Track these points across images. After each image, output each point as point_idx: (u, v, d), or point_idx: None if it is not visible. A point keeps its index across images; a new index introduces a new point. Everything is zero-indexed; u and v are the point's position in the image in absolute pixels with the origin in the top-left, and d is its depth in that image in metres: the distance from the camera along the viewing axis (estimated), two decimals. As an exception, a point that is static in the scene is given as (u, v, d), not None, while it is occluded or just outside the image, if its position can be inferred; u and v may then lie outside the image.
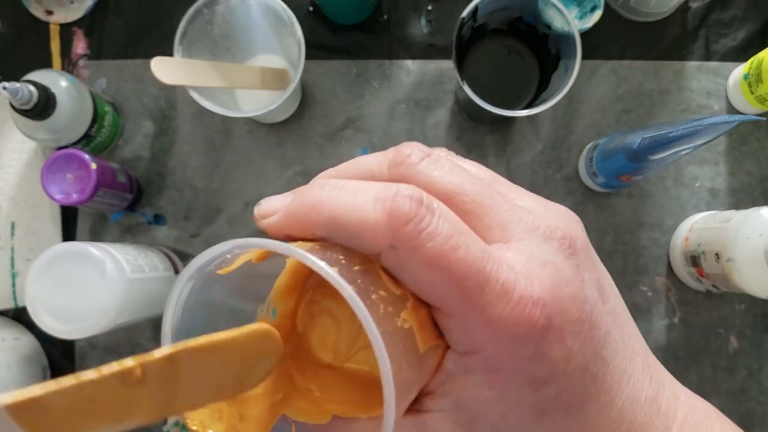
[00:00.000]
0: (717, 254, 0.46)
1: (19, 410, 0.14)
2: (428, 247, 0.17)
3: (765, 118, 0.41)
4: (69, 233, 0.55)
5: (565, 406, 0.19)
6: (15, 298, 0.53)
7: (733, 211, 0.47)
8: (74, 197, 0.48)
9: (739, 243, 0.44)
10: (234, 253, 0.18)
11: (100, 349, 0.54)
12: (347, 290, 0.16)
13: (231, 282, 0.20)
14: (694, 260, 0.50)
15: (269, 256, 0.20)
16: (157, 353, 0.16)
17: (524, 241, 0.19)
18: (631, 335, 0.21)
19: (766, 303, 0.54)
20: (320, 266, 0.16)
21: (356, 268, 0.18)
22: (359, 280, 0.17)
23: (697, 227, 0.51)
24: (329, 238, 0.19)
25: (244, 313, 0.22)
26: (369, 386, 0.21)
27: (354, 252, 0.18)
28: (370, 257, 0.19)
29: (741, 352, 0.53)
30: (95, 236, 0.55)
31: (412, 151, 0.20)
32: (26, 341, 0.52)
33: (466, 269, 0.17)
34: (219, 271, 0.19)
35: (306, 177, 0.55)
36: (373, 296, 0.17)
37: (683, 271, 0.52)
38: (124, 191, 0.52)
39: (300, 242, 0.18)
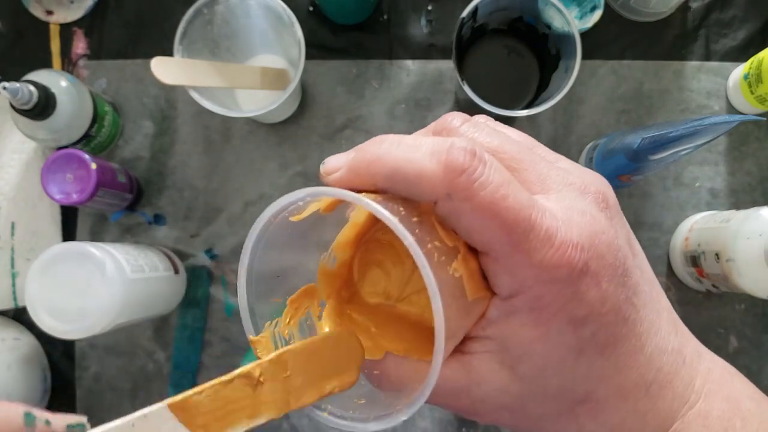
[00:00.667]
0: (717, 254, 0.46)
1: (176, 408, 0.18)
2: (481, 195, 0.18)
3: (765, 118, 0.41)
4: (69, 233, 0.55)
5: (601, 346, 0.20)
6: (15, 298, 0.53)
7: (733, 211, 0.47)
8: (74, 197, 0.48)
9: (739, 243, 0.44)
10: (306, 201, 0.20)
11: (100, 349, 0.54)
12: (408, 238, 0.18)
13: (299, 228, 0.22)
14: (694, 260, 0.50)
15: (336, 206, 0.22)
16: (267, 357, 0.20)
17: (562, 193, 0.21)
18: (658, 291, 0.23)
19: (766, 303, 0.54)
20: (385, 215, 0.18)
21: (414, 219, 0.19)
22: (417, 230, 0.19)
23: (697, 227, 0.51)
24: (389, 190, 0.20)
25: (309, 257, 0.24)
26: (419, 328, 0.23)
27: (412, 204, 0.20)
28: (426, 210, 0.20)
29: (741, 352, 0.53)
30: (95, 236, 0.55)
31: (452, 117, 0.22)
32: (26, 341, 0.52)
33: (514, 216, 0.19)
34: (291, 218, 0.21)
35: (306, 177, 0.55)
36: (429, 245, 0.19)
37: (683, 271, 0.52)
38: (124, 191, 0.52)
39: (365, 194, 0.20)
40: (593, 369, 0.21)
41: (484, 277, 0.21)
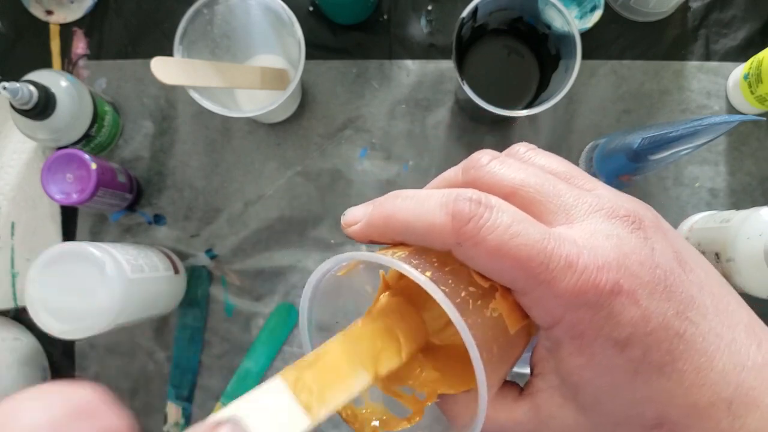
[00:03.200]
0: (717, 254, 0.46)
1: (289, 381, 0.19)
2: (489, 239, 0.19)
3: (765, 118, 0.40)
4: (69, 233, 0.55)
5: (657, 365, 0.20)
6: (15, 298, 0.53)
7: (733, 211, 0.47)
8: (74, 197, 0.48)
9: (739, 243, 0.44)
10: (348, 262, 0.22)
11: (100, 349, 0.54)
12: (438, 294, 0.19)
13: (345, 280, 0.24)
14: (694, 260, 0.50)
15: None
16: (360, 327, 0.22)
17: (587, 221, 0.21)
18: (728, 303, 0.21)
19: (766, 303, 0.53)
20: (414, 274, 0.19)
21: (447, 268, 0.21)
22: (450, 281, 0.20)
23: (697, 227, 0.51)
24: (407, 242, 0.22)
25: (360, 300, 0.26)
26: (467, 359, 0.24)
27: (444, 253, 0.21)
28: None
29: (741, 352, 0.53)
30: (95, 236, 0.55)
31: (482, 155, 0.23)
32: (26, 341, 0.52)
33: (527, 252, 0.19)
34: (338, 273, 0.24)
35: (306, 177, 0.55)
36: (463, 293, 0.20)
37: (683, 271, 0.52)
38: (124, 191, 0.52)
39: (400, 247, 0.22)
40: (655, 390, 0.20)
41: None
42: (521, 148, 0.24)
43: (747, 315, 0.22)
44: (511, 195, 0.21)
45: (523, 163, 0.22)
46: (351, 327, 0.22)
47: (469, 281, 0.21)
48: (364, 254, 0.21)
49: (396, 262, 0.20)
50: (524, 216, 0.20)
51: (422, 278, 0.19)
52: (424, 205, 0.21)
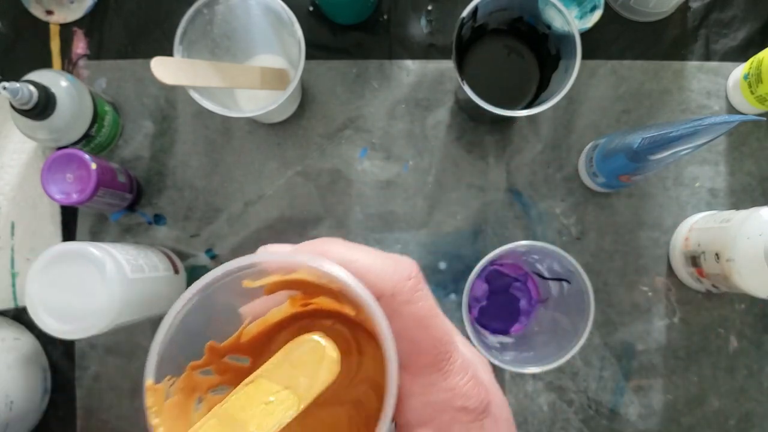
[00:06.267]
0: (717, 254, 0.46)
1: None
2: (420, 304, 0.20)
3: (765, 118, 0.41)
4: (69, 233, 0.55)
5: None
6: (15, 298, 0.53)
7: (733, 211, 0.47)
8: (74, 197, 0.48)
9: (739, 243, 0.44)
10: (260, 267, 0.20)
11: (100, 349, 0.54)
12: (384, 324, 0.19)
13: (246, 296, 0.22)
14: (694, 260, 0.50)
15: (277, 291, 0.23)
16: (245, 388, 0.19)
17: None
18: None
19: (766, 303, 0.54)
20: (369, 300, 0.19)
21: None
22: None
23: (697, 227, 0.51)
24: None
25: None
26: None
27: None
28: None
29: (741, 352, 0.53)
30: (95, 236, 0.55)
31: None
32: (26, 341, 0.52)
33: (441, 335, 0.20)
34: (244, 282, 0.21)
35: (306, 177, 0.55)
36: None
37: (683, 271, 0.52)
38: (124, 191, 0.52)
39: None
40: None
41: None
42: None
43: None
44: None
45: None
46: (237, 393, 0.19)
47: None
48: (315, 260, 0.19)
49: (356, 286, 0.19)
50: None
51: (376, 307, 0.19)
52: (375, 254, 0.20)
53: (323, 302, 0.23)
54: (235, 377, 0.23)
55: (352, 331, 0.24)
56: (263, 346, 0.25)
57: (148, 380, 0.20)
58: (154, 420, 0.20)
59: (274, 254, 0.20)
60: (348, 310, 0.21)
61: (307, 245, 0.21)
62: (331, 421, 0.23)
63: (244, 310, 0.23)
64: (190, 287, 0.20)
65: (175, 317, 0.20)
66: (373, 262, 0.20)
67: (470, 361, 0.21)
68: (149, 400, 0.20)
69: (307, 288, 0.22)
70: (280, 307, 0.24)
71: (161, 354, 0.20)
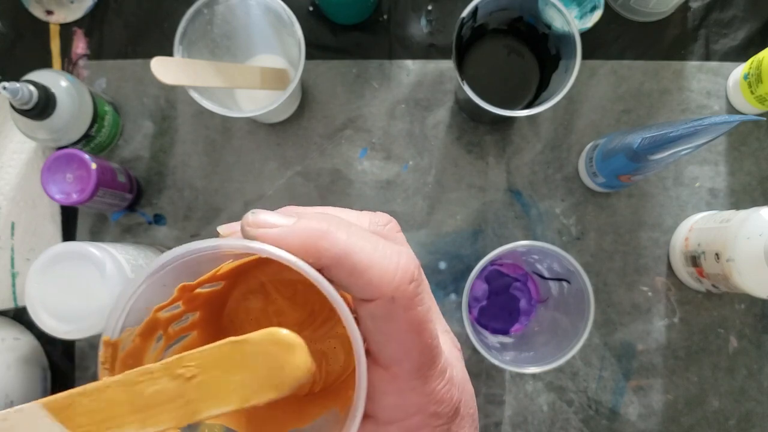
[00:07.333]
0: (717, 254, 0.46)
1: (54, 408, 0.17)
2: (417, 309, 0.19)
3: (765, 118, 0.40)
4: (69, 233, 0.55)
5: None
6: (15, 298, 0.53)
7: (733, 211, 0.47)
8: (74, 197, 0.48)
9: (739, 243, 0.44)
10: (223, 251, 0.20)
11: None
12: (350, 319, 0.19)
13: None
14: (694, 260, 0.50)
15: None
16: (163, 361, 0.18)
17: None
18: None
19: (766, 303, 0.54)
20: (338, 300, 0.18)
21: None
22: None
23: (697, 227, 0.51)
24: (328, 270, 0.19)
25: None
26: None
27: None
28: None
29: (741, 352, 0.53)
30: (95, 236, 0.55)
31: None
32: (26, 341, 0.52)
33: (430, 342, 0.20)
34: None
35: (306, 177, 0.55)
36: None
37: (683, 271, 0.52)
38: (124, 191, 0.52)
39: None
40: None
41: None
42: None
43: None
44: None
45: None
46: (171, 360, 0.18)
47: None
48: (281, 253, 0.18)
49: (326, 284, 0.18)
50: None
51: (344, 306, 0.18)
52: (369, 241, 0.19)
53: None
54: (204, 303, 0.23)
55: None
56: (239, 275, 0.24)
57: (105, 336, 0.20)
58: (104, 376, 0.20)
59: (237, 241, 0.19)
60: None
61: (311, 220, 0.19)
62: None
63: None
64: (166, 253, 0.20)
65: (148, 277, 0.19)
66: (375, 258, 0.18)
67: (448, 361, 0.21)
68: (102, 355, 0.20)
69: None
70: None
71: (124, 309, 0.20)
